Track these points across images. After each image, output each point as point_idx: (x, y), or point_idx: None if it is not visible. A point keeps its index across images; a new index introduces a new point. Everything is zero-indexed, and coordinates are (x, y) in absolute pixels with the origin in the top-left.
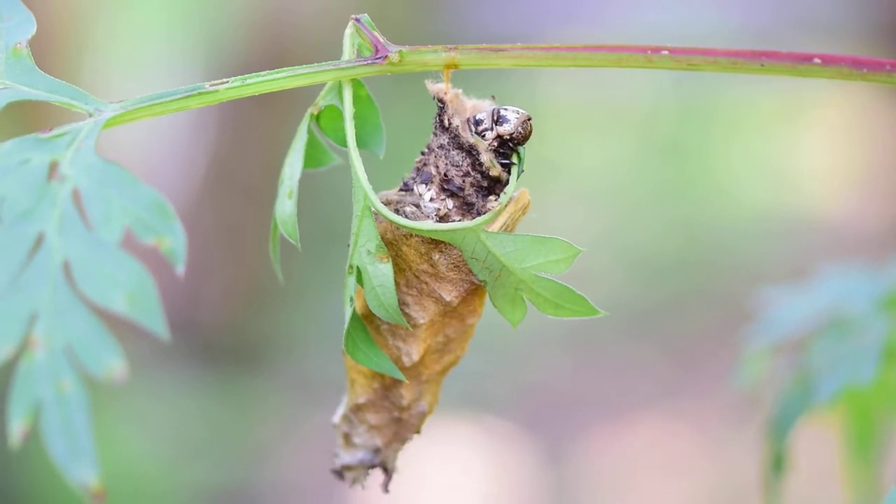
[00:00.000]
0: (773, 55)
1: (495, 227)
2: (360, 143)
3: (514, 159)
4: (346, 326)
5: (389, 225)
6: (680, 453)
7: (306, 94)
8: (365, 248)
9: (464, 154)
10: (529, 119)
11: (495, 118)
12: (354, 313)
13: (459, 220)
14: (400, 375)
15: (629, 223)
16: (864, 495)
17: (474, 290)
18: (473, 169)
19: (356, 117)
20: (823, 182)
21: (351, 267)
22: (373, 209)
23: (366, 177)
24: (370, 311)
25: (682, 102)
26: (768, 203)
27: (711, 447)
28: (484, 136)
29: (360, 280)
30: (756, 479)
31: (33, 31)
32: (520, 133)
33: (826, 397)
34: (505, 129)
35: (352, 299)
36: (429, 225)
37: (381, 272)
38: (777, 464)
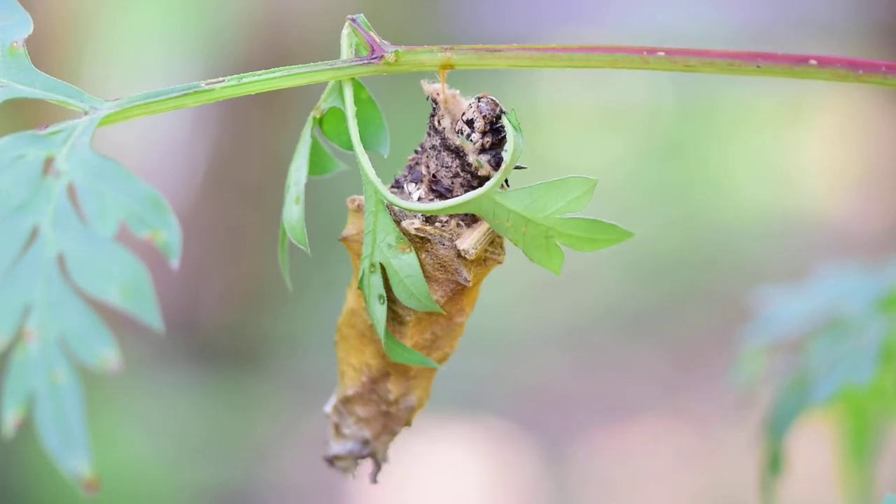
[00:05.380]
0: (770, 57)
1: (468, 243)
2: (364, 144)
3: (506, 121)
4: (381, 327)
5: None
6: (680, 453)
7: (306, 94)
8: (385, 243)
9: (453, 155)
10: (479, 100)
11: (467, 122)
12: (385, 311)
13: (447, 220)
14: (435, 365)
15: (628, 223)
16: (859, 497)
17: (461, 290)
18: (463, 170)
19: (359, 119)
20: (822, 182)
21: (373, 265)
22: (385, 202)
23: (374, 172)
24: (356, 305)
25: (681, 102)
26: (767, 203)
27: (711, 447)
28: (470, 137)
29: (384, 276)
30: (754, 478)
31: (30, 30)
32: (488, 116)
33: (824, 397)
34: (479, 126)
35: (381, 297)
36: (442, 203)
37: (407, 263)
38: (774, 463)
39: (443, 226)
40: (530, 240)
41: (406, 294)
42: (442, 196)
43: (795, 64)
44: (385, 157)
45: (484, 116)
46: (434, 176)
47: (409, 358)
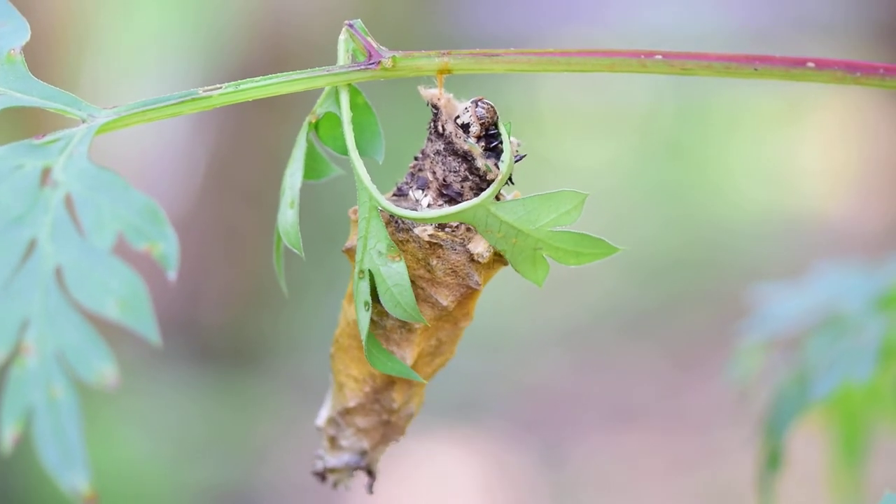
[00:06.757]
0: (767, 59)
1: (483, 246)
2: (360, 150)
3: (502, 128)
4: (364, 334)
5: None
6: (679, 453)
7: (305, 96)
8: (375, 250)
9: (460, 160)
10: (477, 104)
11: (462, 126)
12: (370, 319)
13: (457, 224)
14: (419, 378)
15: (628, 224)
16: (850, 498)
17: (469, 294)
18: (471, 174)
19: (355, 125)
20: (821, 182)
21: (362, 271)
22: (380, 209)
23: (369, 178)
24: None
25: (679, 103)
26: (766, 203)
27: (710, 447)
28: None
29: (372, 283)
30: (753, 478)
31: (27, 37)
32: (485, 122)
33: (823, 394)
34: (474, 131)
35: (367, 304)
36: (437, 212)
37: (396, 271)
38: (773, 461)
39: (453, 231)
40: (519, 251)
41: (392, 303)
42: (452, 200)
43: (793, 67)
44: (380, 163)
45: (481, 122)
46: (444, 181)
47: (393, 368)
